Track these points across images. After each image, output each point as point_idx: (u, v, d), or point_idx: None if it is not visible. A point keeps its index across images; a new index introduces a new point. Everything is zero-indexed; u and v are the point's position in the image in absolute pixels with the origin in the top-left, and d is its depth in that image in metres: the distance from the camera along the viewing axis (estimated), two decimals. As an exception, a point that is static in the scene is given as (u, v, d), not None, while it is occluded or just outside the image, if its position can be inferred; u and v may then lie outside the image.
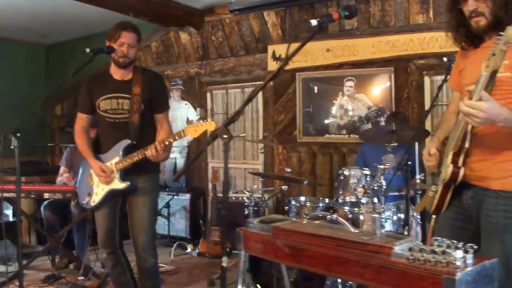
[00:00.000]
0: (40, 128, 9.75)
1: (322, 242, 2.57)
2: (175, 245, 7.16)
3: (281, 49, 7.28)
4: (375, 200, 4.73)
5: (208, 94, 8.24)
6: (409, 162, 4.09)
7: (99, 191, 4.30)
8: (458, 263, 2.04)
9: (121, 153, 4.20)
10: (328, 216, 4.92)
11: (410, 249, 2.17)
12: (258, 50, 7.60)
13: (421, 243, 2.21)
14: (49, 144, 9.38)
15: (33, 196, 6.00)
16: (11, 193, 5.82)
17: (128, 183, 4.20)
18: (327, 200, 5.34)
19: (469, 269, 2.05)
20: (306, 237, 2.67)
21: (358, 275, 2.37)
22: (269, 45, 7.41)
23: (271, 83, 7.46)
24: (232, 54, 7.93)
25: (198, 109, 8.12)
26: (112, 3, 6.96)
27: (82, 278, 5.73)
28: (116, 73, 4.30)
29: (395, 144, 4.77)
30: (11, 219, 6.60)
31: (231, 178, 8.03)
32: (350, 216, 4.96)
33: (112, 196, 4.28)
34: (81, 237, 6.10)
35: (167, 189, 7.93)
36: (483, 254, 2.57)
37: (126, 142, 4.20)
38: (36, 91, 9.13)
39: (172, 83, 8.42)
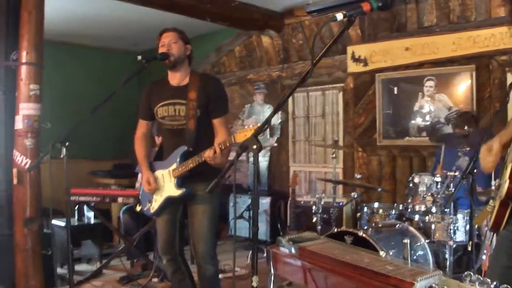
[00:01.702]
0: (135, 132, 9.76)
1: (344, 269, 2.14)
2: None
3: (360, 50, 6.78)
4: (446, 209, 4.23)
5: (290, 97, 7.82)
6: (475, 170, 3.50)
7: (158, 198, 4.07)
8: (486, 311, 1.54)
9: (178, 160, 3.92)
10: (398, 225, 4.51)
11: (430, 288, 1.69)
12: (338, 52, 7.12)
13: (447, 279, 1.72)
14: (139, 148, 9.30)
15: (107, 200, 5.87)
16: (87, 197, 5.76)
17: (184, 190, 3.90)
18: (401, 207, 4.85)
19: (500, 317, 1.55)
20: (329, 262, 2.24)
21: (377, 311, 1.92)
22: (348, 46, 6.91)
23: (351, 85, 7.04)
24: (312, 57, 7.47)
25: (280, 112, 7.75)
26: (190, 10, 6.81)
27: (155, 280, 5.57)
28: (173, 79, 4.04)
29: (467, 148, 4.23)
30: (92, 221, 6.51)
31: (311, 182, 7.64)
32: (421, 225, 4.51)
33: (170, 203, 4.02)
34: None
35: (249, 192, 7.64)
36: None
37: (182, 149, 3.91)
38: (131, 96, 9.12)
39: (255, 87, 8.12)
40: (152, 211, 4.10)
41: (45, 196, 5.51)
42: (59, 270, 5.90)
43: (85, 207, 6.41)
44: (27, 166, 5.08)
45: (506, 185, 2.16)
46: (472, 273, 1.70)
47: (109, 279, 5.84)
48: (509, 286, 1.62)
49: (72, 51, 9.18)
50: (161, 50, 3.94)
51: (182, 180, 3.94)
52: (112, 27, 8.26)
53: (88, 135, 7.73)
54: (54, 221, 6.35)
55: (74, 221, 6.33)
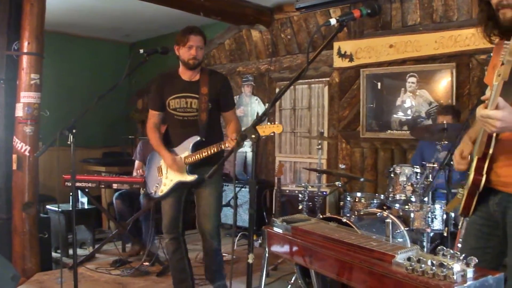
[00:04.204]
0: (125, 121, 9.97)
1: (333, 245, 2.40)
2: (239, 235, 7.06)
3: (346, 46, 7.03)
4: (425, 198, 4.49)
5: (277, 90, 8.06)
6: (452, 162, 3.77)
7: (167, 182, 4.44)
8: (455, 277, 1.80)
9: (190, 148, 4.30)
10: (378, 214, 4.74)
11: (408, 259, 1.95)
12: (325, 47, 7.32)
13: (423, 253, 1.99)
14: (130, 137, 9.51)
15: (103, 186, 6.09)
16: (83, 183, 5.96)
17: (196, 176, 4.29)
18: (382, 197, 5.10)
19: (467, 284, 1.81)
20: (319, 239, 2.50)
21: (362, 282, 2.18)
22: (335, 42, 7.15)
23: (336, 79, 7.27)
24: (300, 51, 7.74)
25: (267, 104, 7.99)
26: (183, 4, 6.99)
27: (147, 263, 5.79)
28: (185, 74, 4.39)
29: (446, 142, 4.48)
30: (86, 206, 6.73)
31: (296, 172, 7.88)
32: (401, 213, 4.75)
33: (179, 187, 4.40)
34: (147, 226, 6.13)
35: (236, 181, 7.86)
36: (509, 263, 2.38)
37: (195, 138, 4.30)
38: (121, 85, 9.30)
39: (244, 79, 8.35)
40: (160, 193, 4.46)
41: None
42: (53, 254, 6.09)
43: (79, 193, 6.62)
44: (27, 152, 5.30)
45: (471, 176, 2.41)
46: (444, 248, 1.96)
47: (102, 262, 6.04)
48: (475, 258, 1.88)
49: (65, 41, 9.32)
50: (189, 52, 4.25)
51: (192, 166, 4.32)
52: (106, 18, 8.40)
53: (79, 124, 7.90)
54: (49, 206, 6.56)
55: (68, 206, 6.50)
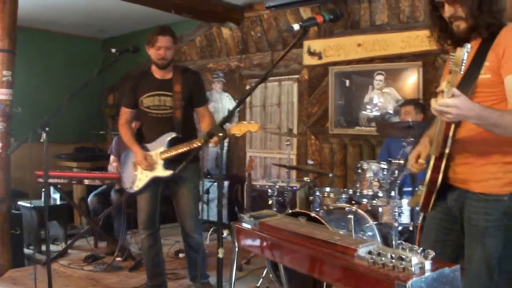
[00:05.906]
0: (97, 116, 9.95)
1: (299, 240, 2.47)
2: (211, 230, 7.10)
3: (316, 45, 7.12)
4: (392, 193, 4.58)
5: (247, 87, 8.12)
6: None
7: (143, 177, 4.47)
8: (413, 269, 1.88)
9: (166, 143, 4.38)
10: (347, 208, 4.81)
11: (369, 253, 2.03)
12: (295, 45, 7.38)
13: (384, 246, 2.07)
14: (101, 132, 9.49)
15: (74, 182, 6.12)
16: (55, 179, 5.97)
17: (172, 171, 4.33)
18: (351, 192, 5.17)
19: (425, 275, 1.89)
20: (285, 234, 2.58)
21: (326, 274, 2.27)
22: (304, 41, 7.22)
23: (306, 77, 7.35)
24: (270, 49, 7.80)
25: (238, 101, 8.02)
26: (155, 2, 7.03)
27: (119, 259, 5.80)
28: (157, 73, 4.49)
29: (411, 139, 4.57)
30: (58, 202, 6.71)
31: (266, 168, 7.95)
32: (369, 208, 4.84)
33: (154, 182, 4.45)
34: (119, 221, 6.15)
35: (209, 176, 7.90)
36: (466, 256, 2.49)
37: (171, 134, 4.39)
38: (94, 81, 9.26)
39: (214, 76, 8.36)
40: (136, 189, 4.49)
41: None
42: (25, 250, 6.06)
43: (51, 189, 6.61)
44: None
45: (428, 174, 2.52)
46: (403, 242, 2.05)
47: (74, 258, 6.04)
48: (432, 251, 1.96)
49: (38, 37, 9.27)
50: (158, 52, 4.33)
51: (168, 162, 4.36)
52: (79, 15, 8.38)
53: (51, 119, 7.85)
54: (21, 202, 6.52)
55: (40, 202, 6.47)
